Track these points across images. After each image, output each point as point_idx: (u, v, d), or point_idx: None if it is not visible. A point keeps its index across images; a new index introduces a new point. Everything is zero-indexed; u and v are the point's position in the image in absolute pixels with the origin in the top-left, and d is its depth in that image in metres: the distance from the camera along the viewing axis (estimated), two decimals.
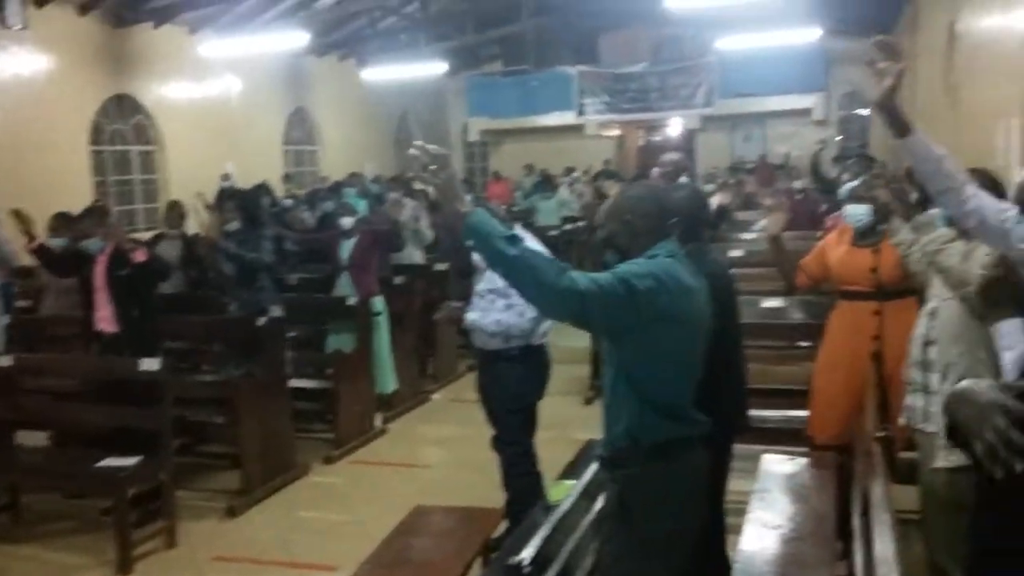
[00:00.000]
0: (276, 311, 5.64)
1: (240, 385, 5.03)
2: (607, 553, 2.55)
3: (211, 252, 6.04)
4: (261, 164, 13.76)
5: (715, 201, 11.00)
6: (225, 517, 4.91)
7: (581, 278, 2.28)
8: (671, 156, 6.26)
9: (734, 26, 13.06)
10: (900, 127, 2.45)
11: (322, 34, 14.75)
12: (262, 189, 8.48)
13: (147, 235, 8.65)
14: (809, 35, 12.95)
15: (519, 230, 2.93)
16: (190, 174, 12.11)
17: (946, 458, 2.80)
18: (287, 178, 14.05)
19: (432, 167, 2.32)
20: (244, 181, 11.53)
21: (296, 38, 11.30)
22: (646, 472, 2.50)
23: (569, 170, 14.80)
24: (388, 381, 6.35)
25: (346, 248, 6.22)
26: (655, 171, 6.75)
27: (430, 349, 7.33)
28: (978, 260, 2.67)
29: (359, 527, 4.64)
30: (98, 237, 5.27)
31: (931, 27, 10.29)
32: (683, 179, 7.53)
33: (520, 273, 2.26)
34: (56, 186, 10.18)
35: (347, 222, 6.10)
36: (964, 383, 1.32)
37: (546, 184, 12.83)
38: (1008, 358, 2.11)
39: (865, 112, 17.99)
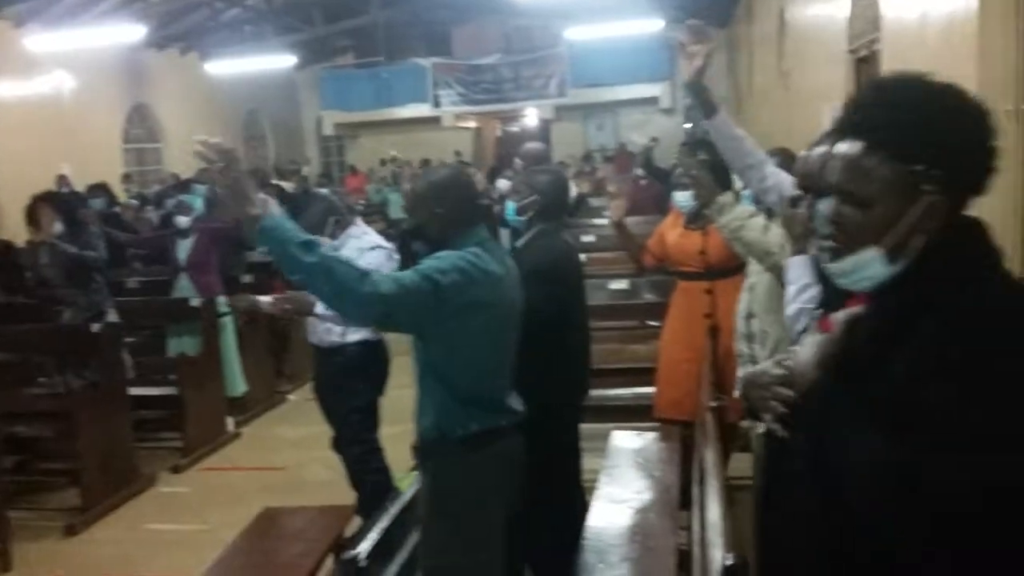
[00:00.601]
0: (112, 314, 5.36)
1: (76, 396, 4.74)
2: (426, 545, 2.53)
3: (34, 254, 5.66)
4: (100, 164, 13.02)
5: (573, 190, 11.26)
6: (65, 536, 4.62)
7: (384, 282, 2.21)
8: (533, 145, 6.32)
9: (581, 17, 13.34)
10: (708, 108, 2.60)
11: (161, 27, 14.12)
12: (98, 190, 8.04)
13: None
14: (652, 25, 13.34)
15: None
16: (22, 176, 11.29)
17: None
18: (127, 178, 13.39)
19: (219, 165, 2.04)
20: (82, 182, 10.91)
21: (131, 31, 10.78)
22: (455, 464, 2.48)
23: (425, 162, 14.72)
24: (237, 383, 6.14)
25: (183, 248, 5.96)
26: (517, 161, 6.81)
27: (284, 348, 7.13)
28: (775, 232, 2.81)
29: (210, 536, 4.45)
30: None
31: (764, 15, 10.77)
32: None
33: (319, 280, 2.15)
34: None
35: (182, 221, 5.84)
36: (748, 370, 1.48)
37: (398, 176, 12.73)
38: (791, 291, 2.27)
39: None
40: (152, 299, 6.24)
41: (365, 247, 4.14)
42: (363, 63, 18.92)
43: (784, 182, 2.58)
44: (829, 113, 6.43)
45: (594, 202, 11.67)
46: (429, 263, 2.33)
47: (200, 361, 5.70)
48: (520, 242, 3.44)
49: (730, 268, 3.80)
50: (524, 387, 3.39)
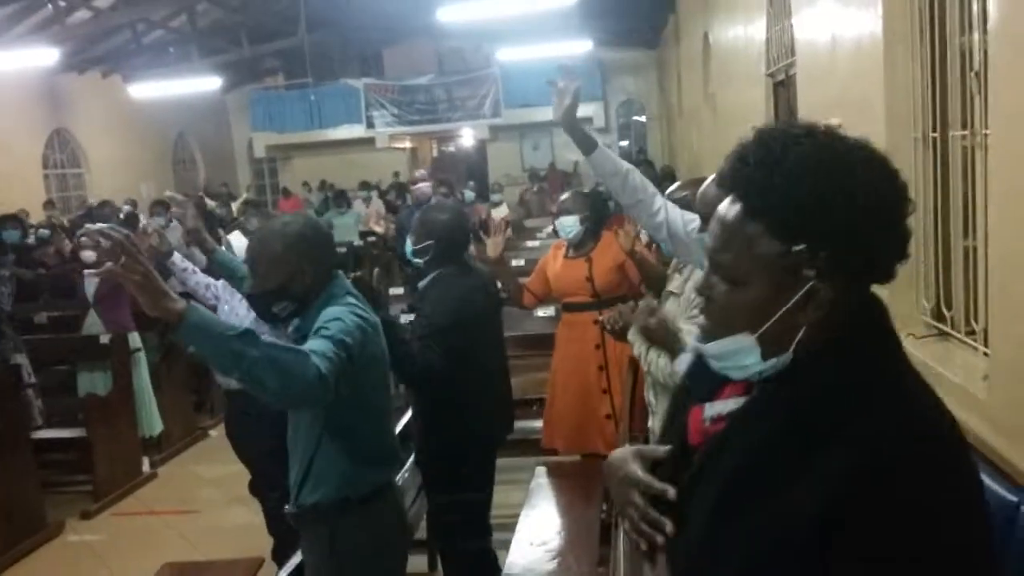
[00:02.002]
0: (20, 359, 5.09)
1: None
2: None
3: None
4: (18, 191, 12.60)
5: (499, 213, 11.20)
6: None
7: (321, 362, 2.01)
8: (422, 187, 6.26)
9: (511, 38, 13.32)
10: (584, 143, 2.53)
11: (81, 50, 13.75)
12: (11, 221, 7.70)
13: None
14: (581, 47, 13.39)
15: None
16: None
17: None
18: (49, 204, 12.94)
19: (122, 258, 1.72)
20: (1, 210, 10.49)
21: (46, 55, 10.42)
22: (356, 524, 2.37)
23: (364, 184, 14.51)
24: (154, 421, 5.89)
25: (92, 283, 5.70)
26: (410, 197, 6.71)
27: (205, 382, 6.88)
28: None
29: None
30: None
31: (690, 38, 10.88)
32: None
33: (266, 373, 1.88)
34: None
35: (88, 256, 5.59)
36: (612, 454, 1.28)
37: (340, 199, 12.50)
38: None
39: (642, 119, 18.91)
40: (60, 337, 5.96)
41: None
42: (293, 84, 18.64)
43: (675, 218, 2.52)
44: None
45: (528, 223, 11.63)
46: (333, 325, 2.16)
47: (111, 400, 5.44)
48: (421, 284, 3.35)
49: (619, 296, 3.74)
50: (433, 448, 3.32)
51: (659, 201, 2.55)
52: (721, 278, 1.09)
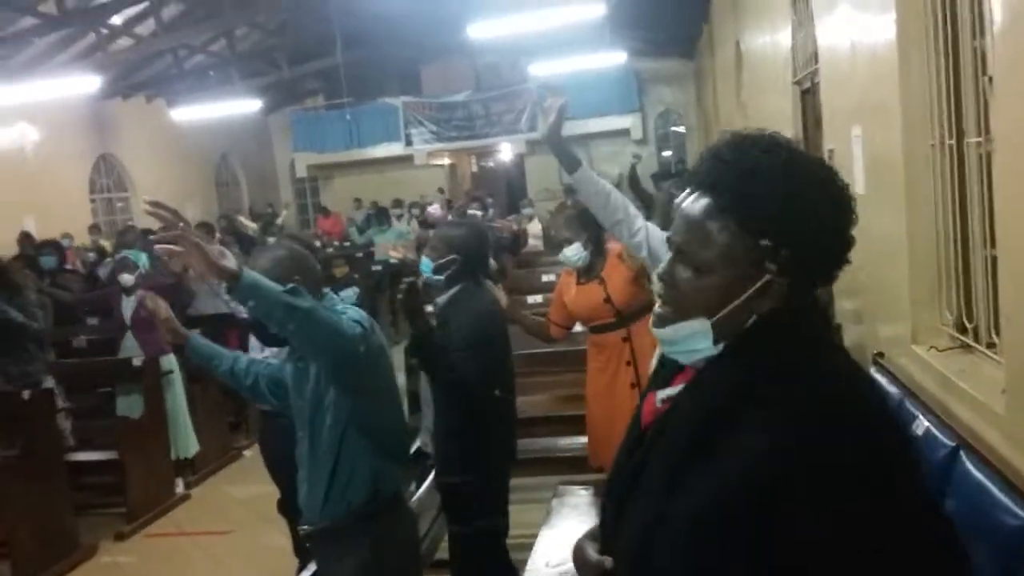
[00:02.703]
0: (49, 382, 5.19)
1: (3, 468, 4.56)
2: None
3: None
4: (66, 216, 12.93)
5: (533, 228, 11.19)
6: None
7: (355, 325, 2.28)
8: (433, 211, 6.32)
9: (546, 53, 13.33)
10: (568, 162, 2.53)
11: (124, 75, 14.07)
12: (48, 247, 7.90)
13: None
14: (616, 58, 13.35)
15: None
16: None
17: None
18: (95, 228, 13.24)
19: (180, 225, 1.92)
20: (49, 234, 10.77)
21: (89, 82, 10.68)
22: (393, 525, 2.48)
23: (398, 202, 14.62)
24: (188, 443, 5.96)
25: (128, 306, 5.80)
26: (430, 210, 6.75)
27: (240, 402, 6.96)
28: None
29: None
30: None
31: (723, 47, 10.78)
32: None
33: (316, 325, 2.12)
34: None
35: (126, 279, 5.70)
36: (580, 540, 1.34)
37: (381, 217, 12.61)
38: None
39: (681, 129, 18.78)
40: (95, 360, 6.07)
41: None
42: (333, 104, 18.87)
43: (655, 237, 2.52)
44: None
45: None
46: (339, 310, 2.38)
47: (143, 423, 5.52)
48: (442, 299, 3.34)
49: (641, 308, 3.68)
50: (455, 457, 3.35)
51: (639, 222, 2.56)
52: (686, 265, 1.18)
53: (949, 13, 2.82)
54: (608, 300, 3.77)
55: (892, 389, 3.30)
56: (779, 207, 1.11)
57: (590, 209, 2.75)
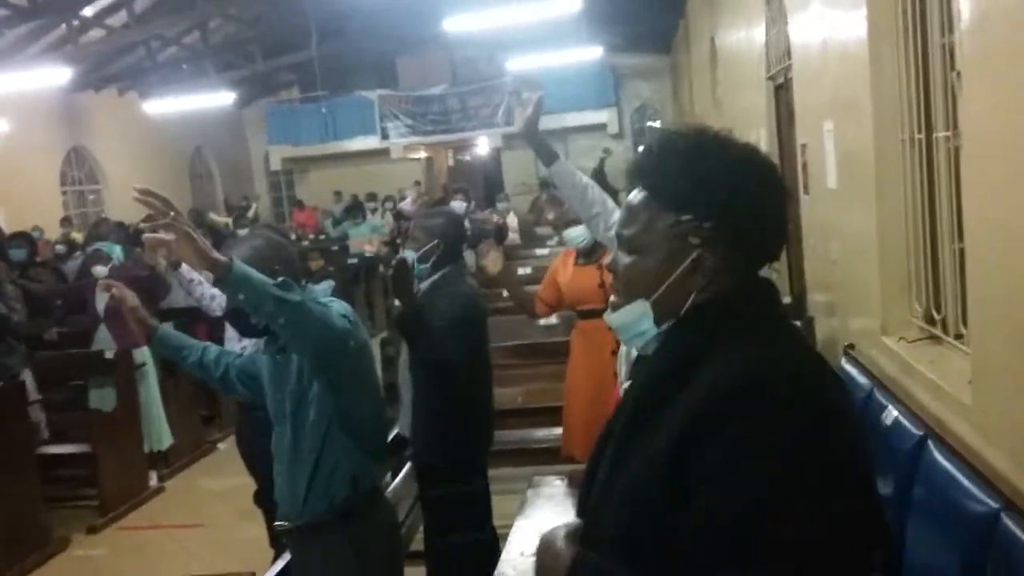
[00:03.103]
0: (26, 375, 5.15)
1: None
2: None
3: None
4: (37, 208, 12.78)
5: (510, 221, 11.22)
6: None
7: (343, 318, 2.27)
8: (406, 205, 6.41)
9: (523, 47, 13.33)
10: (545, 155, 2.56)
11: (96, 68, 13.90)
12: (19, 239, 7.80)
13: None
14: (592, 53, 13.38)
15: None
16: None
17: None
18: (66, 221, 13.10)
19: (165, 217, 1.87)
20: (19, 227, 10.62)
21: (58, 73, 10.56)
22: (374, 519, 2.46)
23: (372, 196, 14.57)
24: (162, 436, 5.92)
25: (101, 298, 5.75)
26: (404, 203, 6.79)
27: (214, 396, 6.91)
28: None
29: None
30: None
31: (699, 42, 10.84)
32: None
33: (306, 317, 2.10)
34: None
35: (99, 271, 5.65)
36: (547, 532, 1.29)
37: (356, 210, 12.56)
38: None
39: (657, 124, 18.86)
40: (68, 353, 6.02)
41: None
42: (308, 97, 18.76)
43: None
44: (754, 141, 6.43)
45: (538, 231, 11.62)
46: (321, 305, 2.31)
47: (116, 415, 5.47)
48: (424, 285, 3.39)
49: None
50: (435, 440, 3.39)
51: (616, 215, 2.57)
52: (625, 251, 1.24)
53: (919, 10, 2.87)
54: (602, 286, 3.81)
55: (862, 380, 3.36)
56: (694, 182, 1.16)
57: (567, 202, 2.78)
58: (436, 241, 3.34)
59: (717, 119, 9.24)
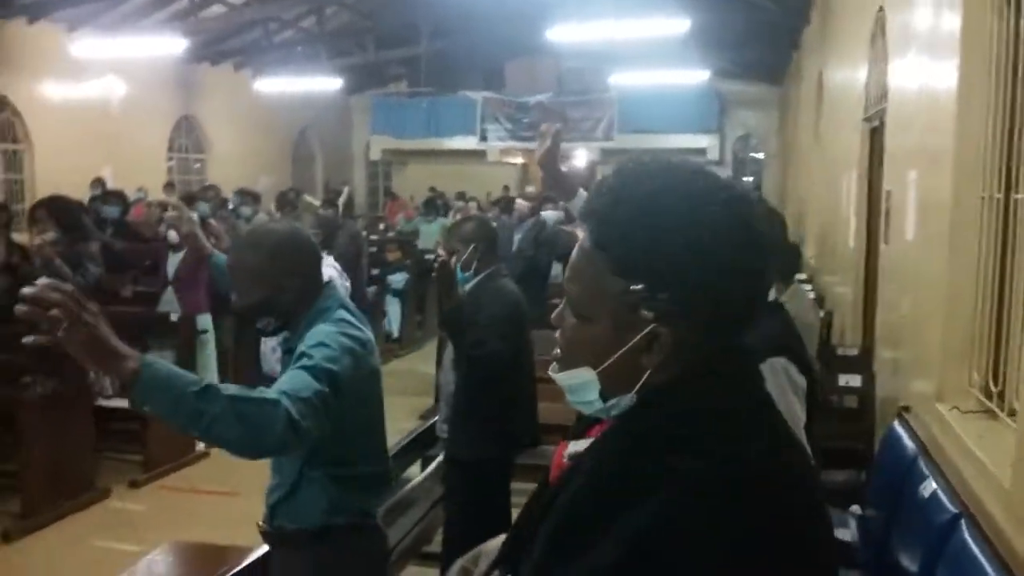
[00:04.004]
0: None
1: (26, 402, 4.68)
2: None
3: (31, 265, 5.64)
4: (143, 171, 13.29)
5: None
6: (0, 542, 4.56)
7: (293, 406, 1.84)
8: (520, 204, 6.47)
9: (630, 63, 13.25)
10: (564, 189, 2.49)
11: (214, 42, 14.38)
12: (113, 197, 8.10)
13: None
14: (698, 76, 13.19)
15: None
16: (61, 175, 11.56)
17: None
18: (169, 186, 13.58)
19: (62, 317, 1.52)
20: (123, 186, 11.07)
21: (176, 44, 10.95)
22: (337, 553, 2.24)
23: (460, 195, 14.66)
24: None
25: (172, 262, 5.92)
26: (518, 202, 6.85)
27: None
28: None
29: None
30: None
31: (808, 76, 10.56)
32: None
33: (230, 428, 1.74)
34: None
35: (173, 236, 5.82)
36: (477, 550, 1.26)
37: (430, 208, 12.63)
38: None
39: (759, 156, 18.48)
40: (137, 311, 6.20)
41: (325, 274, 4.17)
42: (414, 92, 19.04)
43: None
44: (846, 183, 6.20)
45: None
46: (316, 351, 2.01)
47: None
48: (468, 288, 3.45)
49: None
50: (467, 434, 3.39)
51: None
52: (571, 310, 1.05)
53: (1012, 66, 2.70)
54: None
55: (910, 445, 3.19)
56: (646, 243, 0.95)
57: None
58: (473, 246, 3.43)
59: (817, 155, 8.97)
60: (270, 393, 1.87)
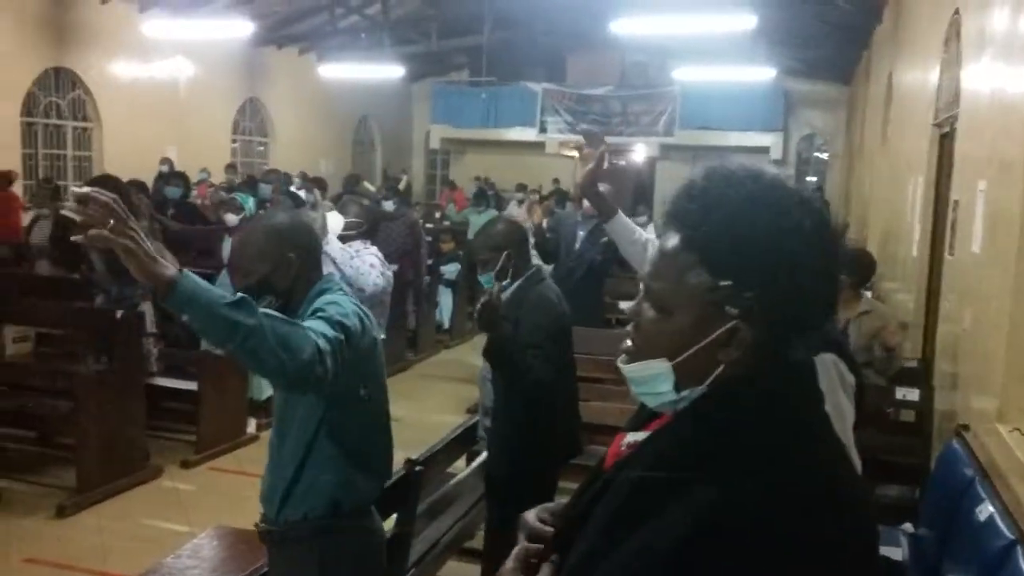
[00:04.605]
0: (145, 307, 5.41)
1: (84, 378, 4.80)
2: None
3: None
4: (207, 151, 13.53)
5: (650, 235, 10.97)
6: (55, 516, 4.66)
7: (319, 339, 1.92)
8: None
9: (692, 58, 13.06)
10: (604, 211, 2.49)
11: (280, 26, 14.54)
12: (175, 178, 8.25)
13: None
14: (764, 74, 12.94)
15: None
16: (128, 154, 11.89)
17: None
18: (231, 168, 13.80)
19: (111, 221, 1.63)
20: (187, 167, 11.32)
21: (243, 27, 11.10)
22: (343, 543, 2.26)
23: (521, 186, 14.65)
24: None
25: (228, 245, 6.02)
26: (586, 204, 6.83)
27: None
28: None
29: (188, 540, 4.42)
30: None
31: (878, 77, 10.30)
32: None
33: (261, 346, 1.77)
34: None
35: (231, 219, 5.92)
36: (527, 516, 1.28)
37: (480, 199, 12.62)
38: None
39: (824, 156, 18.11)
40: None
41: (365, 262, 4.19)
42: (474, 81, 19.06)
43: None
44: (911, 189, 6.02)
45: None
46: (330, 308, 2.09)
47: (225, 359, 5.69)
48: (505, 296, 3.36)
49: None
50: (509, 452, 3.33)
51: None
52: (650, 304, 1.10)
53: None
54: None
55: (967, 467, 3.08)
56: (740, 243, 1.02)
57: (626, 258, 2.71)
58: (506, 253, 3.31)
59: (883, 158, 8.75)
60: (296, 321, 1.95)
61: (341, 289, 2.28)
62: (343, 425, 2.21)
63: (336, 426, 2.19)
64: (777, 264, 1.01)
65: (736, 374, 1.04)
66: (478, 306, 3.04)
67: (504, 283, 3.30)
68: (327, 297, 2.18)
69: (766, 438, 1.00)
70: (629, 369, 1.11)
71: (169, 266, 1.71)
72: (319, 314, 2.07)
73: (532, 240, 4.78)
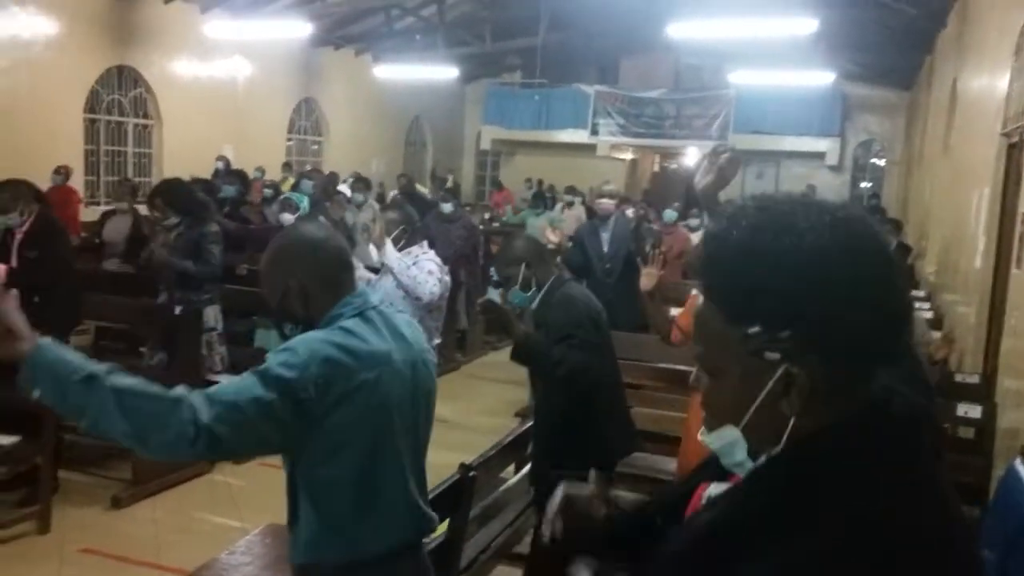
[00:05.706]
0: (210, 314, 5.45)
1: (143, 371, 4.86)
2: None
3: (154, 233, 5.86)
4: (263, 150, 13.73)
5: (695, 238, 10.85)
6: (111, 507, 4.76)
7: (202, 407, 1.73)
8: (605, 203, 6.42)
9: (748, 61, 12.91)
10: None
11: (336, 27, 14.70)
12: (233, 177, 8.38)
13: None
14: (822, 78, 12.74)
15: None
16: (187, 151, 12.13)
17: None
18: (286, 166, 13.99)
19: None
20: (243, 165, 11.51)
21: (302, 28, 11.25)
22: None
23: (571, 188, 14.60)
24: None
25: None
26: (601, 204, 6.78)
27: None
28: None
29: (239, 535, 4.47)
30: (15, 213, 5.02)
31: (941, 83, 10.07)
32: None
33: (113, 425, 1.68)
34: (46, 151, 10.13)
35: (286, 218, 5.98)
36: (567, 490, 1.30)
37: (540, 199, 12.60)
38: None
39: (881, 162, 17.78)
40: (249, 290, 6.38)
41: (423, 269, 4.22)
42: (527, 83, 19.06)
43: None
44: (976, 199, 5.87)
45: None
46: (275, 357, 1.84)
47: None
48: (534, 305, 3.46)
49: None
50: (552, 451, 3.34)
51: None
52: (703, 369, 1.02)
53: None
54: None
55: None
56: (749, 282, 0.93)
57: None
58: (524, 264, 3.39)
59: (945, 168, 8.55)
60: (175, 392, 1.78)
61: (359, 314, 1.98)
62: (317, 479, 1.95)
63: (309, 480, 1.97)
64: (804, 293, 0.90)
65: (812, 425, 0.94)
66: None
67: (529, 293, 3.39)
68: (304, 336, 1.92)
69: (838, 503, 0.90)
70: (708, 441, 1.04)
71: (25, 339, 1.64)
72: (258, 366, 1.85)
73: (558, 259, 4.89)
